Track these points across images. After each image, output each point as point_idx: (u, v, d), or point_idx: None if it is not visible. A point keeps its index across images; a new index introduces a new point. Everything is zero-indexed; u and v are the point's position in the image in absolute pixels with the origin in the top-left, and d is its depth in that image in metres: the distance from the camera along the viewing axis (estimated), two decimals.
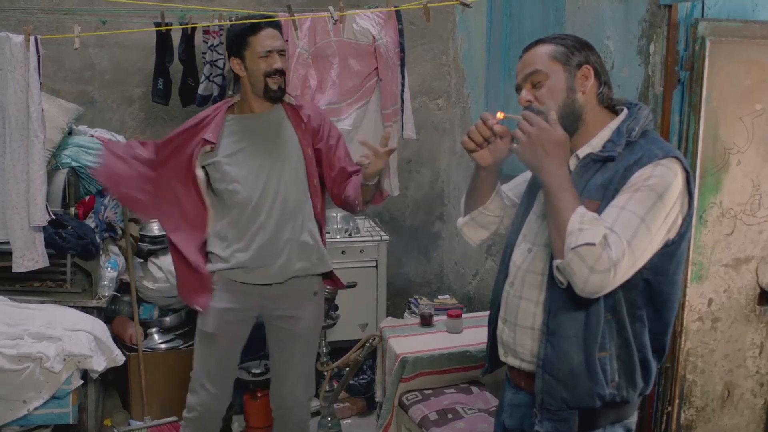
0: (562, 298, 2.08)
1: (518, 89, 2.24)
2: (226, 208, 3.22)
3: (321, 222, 3.36)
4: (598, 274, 1.94)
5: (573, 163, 2.19)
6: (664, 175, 2.02)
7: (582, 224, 1.97)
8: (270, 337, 3.38)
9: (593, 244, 1.93)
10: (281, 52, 3.18)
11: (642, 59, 3.00)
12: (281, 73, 3.17)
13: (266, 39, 3.15)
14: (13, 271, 3.61)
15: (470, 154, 2.38)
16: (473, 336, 3.68)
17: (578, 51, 2.18)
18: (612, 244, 1.95)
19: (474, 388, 3.55)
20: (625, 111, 2.21)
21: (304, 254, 3.26)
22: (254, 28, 3.16)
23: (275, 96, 3.19)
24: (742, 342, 3.19)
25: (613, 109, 2.24)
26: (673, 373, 3.11)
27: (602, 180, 2.09)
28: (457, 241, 5.30)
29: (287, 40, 4.24)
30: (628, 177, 2.04)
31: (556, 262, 2.04)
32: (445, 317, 3.89)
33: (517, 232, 2.34)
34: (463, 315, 3.91)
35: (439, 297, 4.63)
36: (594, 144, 2.17)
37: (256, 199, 3.17)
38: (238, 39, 3.18)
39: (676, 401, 3.13)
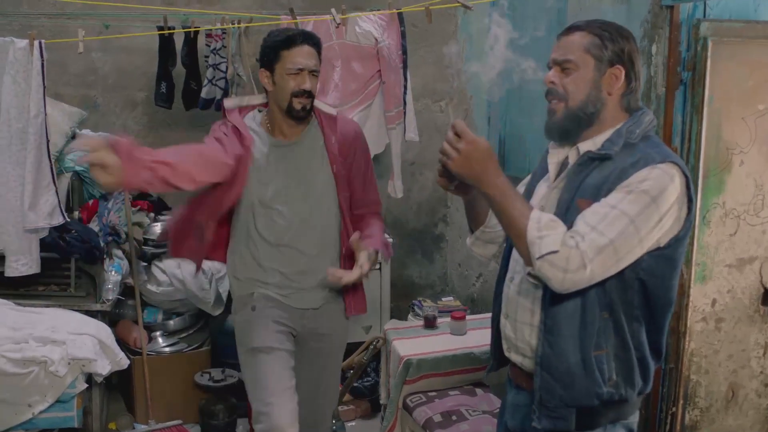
0: (558, 296, 2.07)
1: (549, 67, 2.22)
2: (255, 230, 3.03)
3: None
4: (572, 273, 1.96)
5: (573, 156, 2.18)
6: (660, 178, 2.01)
7: (540, 231, 1.98)
8: (300, 355, 3.14)
9: (556, 252, 1.95)
10: (314, 73, 2.96)
11: (644, 60, 2.99)
12: (309, 94, 2.96)
13: (299, 56, 2.93)
14: (6, 275, 3.60)
15: (450, 192, 2.35)
16: (477, 338, 3.68)
17: (615, 45, 2.13)
18: (587, 241, 1.95)
19: (478, 390, 3.55)
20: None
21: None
22: (289, 42, 2.94)
23: (298, 117, 2.99)
24: (746, 342, 3.19)
25: (632, 112, 2.20)
26: (677, 373, 3.10)
27: (598, 180, 2.07)
28: (461, 242, 5.30)
29: None
30: (623, 178, 2.02)
31: (527, 269, 2.07)
32: (448, 319, 3.89)
33: None
34: (467, 317, 3.91)
35: (443, 299, 4.62)
36: (597, 141, 2.15)
37: (290, 224, 2.99)
38: (271, 51, 2.96)
39: (681, 402, 3.13)
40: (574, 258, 1.95)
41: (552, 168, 2.26)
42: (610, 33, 2.14)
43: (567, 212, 2.08)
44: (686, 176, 2.06)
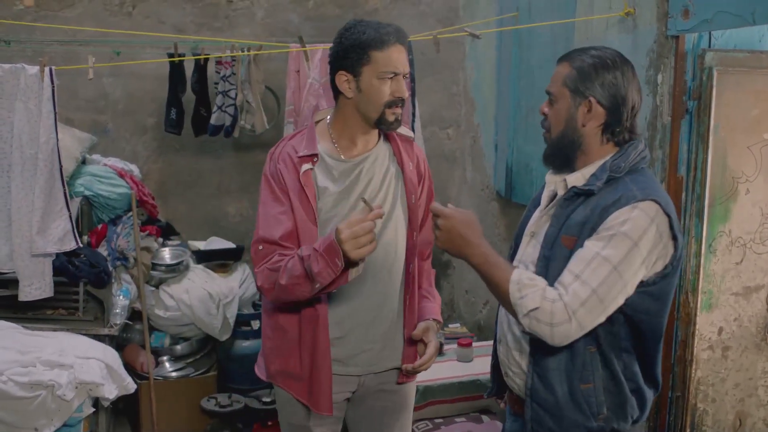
0: None
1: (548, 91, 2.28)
2: None
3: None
4: (558, 327, 2.00)
5: (561, 188, 2.22)
6: (640, 219, 2.02)
7: (521, 292, 2.03)
8: (357, 417, 2.75)
9: (537, 308, 2.01)
10: (406, 76, 2.51)
11: (650, 89, 3.02)
12: (404, 103, 2.51)
13: (396, 55, 2.45)
14: (20, 299, 3.61)
15: None
16: (484, 365, 3.65)
17: (591, 79, 2.12)
18: (570, 293, 2.01)
19: (484, 417, 3.55)
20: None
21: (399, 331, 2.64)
22: (382, 40, 2.43)
23: (389, 129, 2.55)
24: (753, 371, 3.18)
25: (622, 143, 2.19)
26: (684, 402, 3.09)
27: (581, 217, 2.10)
28: (468, 270, 5.30)
29: (298, 71, 4.29)
30: (604, 217, 2.04)
31: (520, 327, 2.15)
32: (455, 346, 3.89)
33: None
34: (474, 344, 3.91)
35: (450, 326, 4.62)
36: (585, 173, 2.17)
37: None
38: (357, 50, 2.45)
39: (688, 431, 3.12)
40: (558, 311, 2.00)
41: (545, 195, 2.31)
42: (593, 65, 2.14)
43: (552, 247, 2.14)
44: (668, 215, 2.05)
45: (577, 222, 2.10)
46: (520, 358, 2.23)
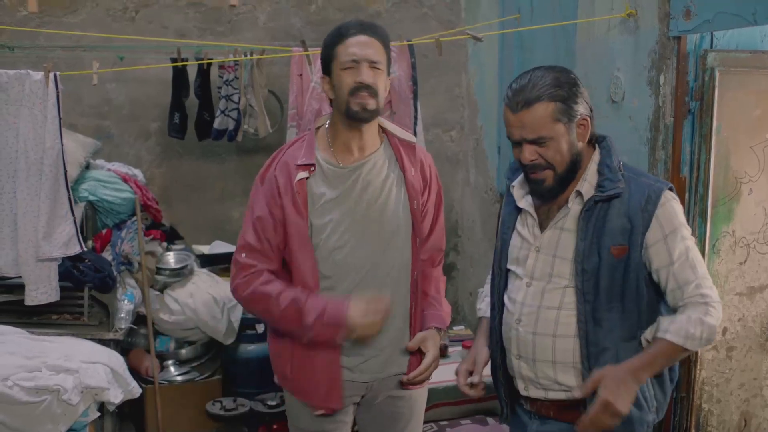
0: (601, 340, 2.23)
1: (515, 144, 2.27)
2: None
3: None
4: (715, 323, 2.22)
5: (578, 205, 2.28)
6: (675, 206, 2.25)
7: (692, 339, 2.18)
8: (367, 421, 2.75)
9: (712, 331, 2.21)
10: (374, 64, 2.44)
11: (652, 90, 3.02)
12: (369, 90, 2.43)
13: (354, 45, 2.43)
14: (26, 303, 3.62)
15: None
16: (488, 367, 3.67)
17: (575, 102, 2.21)
18: (706, 295, 2.21)
19: (490, 419, 3.55)
20: (598, 145, 2.34)
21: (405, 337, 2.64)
22: (342, 34, 2.47)
23: (357, 118, 2.47)
24: (758, 371, 3.18)
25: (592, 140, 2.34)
26: (689, 402, 3.09)
27: (620, 224, 2.21)
28: (472, 272, 5.31)
29: (301, 75, 4.30)
30: (648, 219, 2.20)
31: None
32: (460, 348, 3.89)
33: (503, 261, 2.43)
34: None
35: (454, 328, 4.62)
36: (589, 179, 2.27)
37: (358, 271, 2.53)
38: (327, 51, 2.50)
39: (693, 431, 3.11)
40: (712, 322, 2.20)
41: (531, 211, 2.37)
42: (567, 89, 2.21)
43: (590, 259, 2.23)
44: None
45: (618, 230, 2.21)
46: (553, 366, 2.29)
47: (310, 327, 2.39)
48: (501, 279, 2.45)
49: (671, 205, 2.22)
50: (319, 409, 2.57)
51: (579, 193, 2.26)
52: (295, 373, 2.58)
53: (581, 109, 2.22)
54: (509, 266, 2.42)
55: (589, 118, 2.25)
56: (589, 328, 2.23)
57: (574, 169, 2.25)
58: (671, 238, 2.20)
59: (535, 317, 2.30)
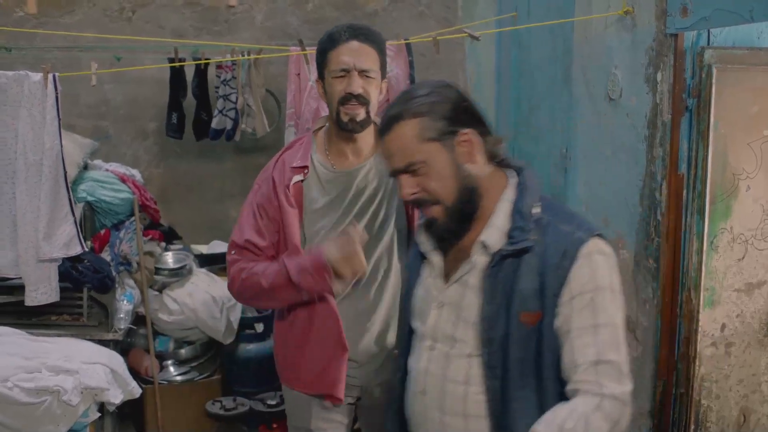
0: (511, 424, 1.86)
1: (393, 175, 1.92)
2: None
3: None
4: (625, 415, 1.79)
5: (480, 253, 1.89)
6: (604, 265, 1.83)
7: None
8: (366, 423, 2.73)
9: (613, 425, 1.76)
10: (365, 73, 2.40)
11: (650, 87, 3.02)
12: (360, 100, 2.40)
13: (345, 53, 2.38)
14: (26, 304, 3.62)
15: None
16: None
17: (450, 114, 1.85)
18: (604, 384, 1.76)
19: None
20: (513, 178, 1.94)
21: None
22: (334, 39, 2.41)
23: (347, 129, 2.44)
24: (756, 367, 3.19)
25: (501, 162, 1.95)
26: (688, 399, 3.10)
27: (532, 285, 1.82)
28: None
29: (299, 74, 4.30)
30: (562, 278, 1.80)
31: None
32: None
33: (407, 313, 2.11)
34: None
35: None
36: (499, 224, 1.88)
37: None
38: (319, 55, 2.47)
39: (692, 427, 3.12)
40: (615, 412, 1.76)
41: (433, 257, 2.00)
42: (434, 100, 1.85)
43: (506, 326, 1.84)
44: (604, 238, 1.89)
45: (530, 293, 1.82)
46: (464, 420, 1.91)
47: (299, 283, 2.35)
48: (404, 336, 2.13)
49: (593, 260, 1.80)
50: (327, 398, 2.54)
51: (484, 244, 1.87)
52: (300, 359, 2.57)
53: (461, 122, 1.85)
54: (412, 322, 2.07)
55: (479, 133, 1.87)
56: (499, 409, 1.85)
57: (469, 198, 1.86)
58: (579, 300, 1.78)
59: (440, 391, 1.92)
